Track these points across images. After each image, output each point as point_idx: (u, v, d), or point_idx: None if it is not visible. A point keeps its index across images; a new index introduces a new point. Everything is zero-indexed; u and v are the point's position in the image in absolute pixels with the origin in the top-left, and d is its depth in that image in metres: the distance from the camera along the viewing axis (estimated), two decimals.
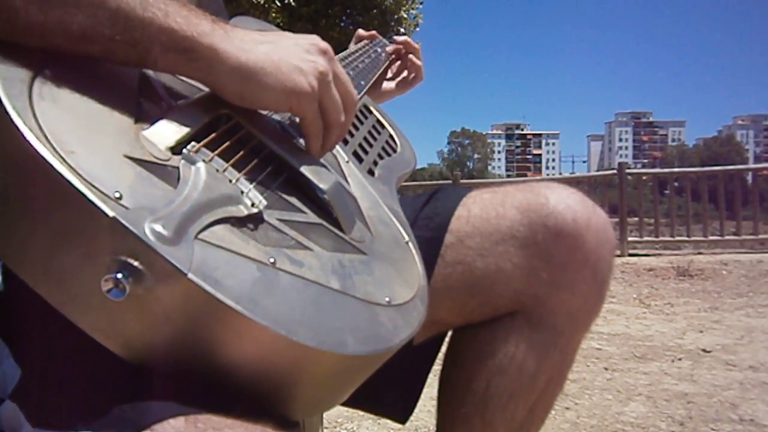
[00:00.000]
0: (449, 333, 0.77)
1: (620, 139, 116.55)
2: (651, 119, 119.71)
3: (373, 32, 1.08)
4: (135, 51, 0.43)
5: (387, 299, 0.46)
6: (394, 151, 0.79)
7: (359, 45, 0.99)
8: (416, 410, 0.77)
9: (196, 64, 0.45)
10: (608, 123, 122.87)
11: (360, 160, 0.68)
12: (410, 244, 0.58)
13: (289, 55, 0.48)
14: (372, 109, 0.85)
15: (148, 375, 0.37)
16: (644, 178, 7.29)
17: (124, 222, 0.33)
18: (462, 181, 8.54)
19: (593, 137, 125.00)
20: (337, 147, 0.64)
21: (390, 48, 1.07)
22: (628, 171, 6.67)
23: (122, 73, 0.45)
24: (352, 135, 0.72)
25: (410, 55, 1.08)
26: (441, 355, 0.77)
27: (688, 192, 6.61)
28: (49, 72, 0.39)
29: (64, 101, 0.39)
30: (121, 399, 0.37)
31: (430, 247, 0.70)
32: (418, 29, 10.43)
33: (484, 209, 0.72)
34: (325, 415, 1.42)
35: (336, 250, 0.47)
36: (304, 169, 0.51)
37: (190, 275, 0.34)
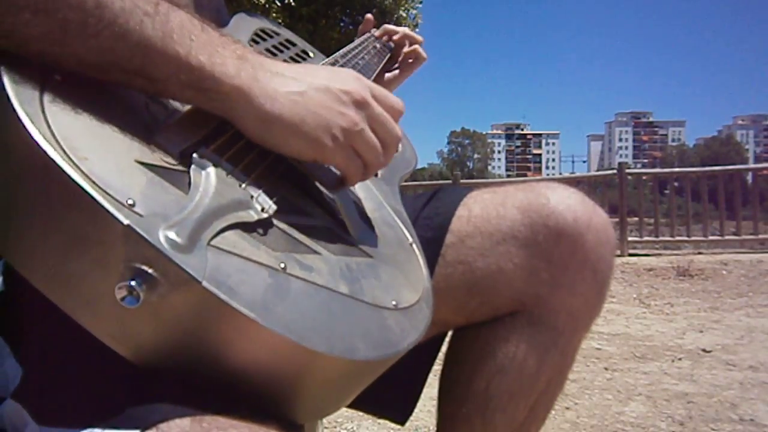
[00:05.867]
0: (450, 333, 0.77)
1: (620, 139, 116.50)
2: (651, 119, 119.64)
3: (368, 17, 1.07)
4: (152, 85, 0.42)
5: (394, 303, 0.46)
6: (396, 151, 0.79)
7: (360, 39, 0.99)
8: (416, 410, 0.77)
9: (217, 103, 0.43)
10: (608, 123, 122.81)
11: None
12: (414, 245, 0.58)
13: (317, 106, 0.46)
14: None
15: (153, 373, 0.37)
16: (644, 178, 7.29)
17: (138, 230, 0.33)
18: (462, 181, 8.54)
19: (593, 137, 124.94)
20: None
21: (395, 37, 1.06)
22: (628, 171, 6.67)
23: None
24: None
25: (414, 46, 1.07)
26: (441, 355, 0.77)
27: (688, 192, 6.61)
28: (59, 77, 0.39)
29: (75, 106, 0.38)
30: (125, 395, 0.37)
31: (431, 246, 0.70)
32: (417, 29, 10.43)
33: (485, 209, 0.72)
34: None
35: (343, 254, 0.47)
36: (310, 173, 0.51)
37: (205, 283, 0.34)
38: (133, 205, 0.34)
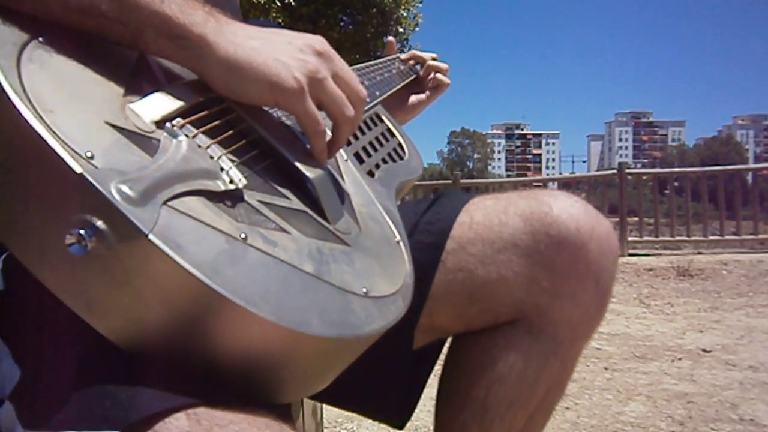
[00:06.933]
0: (449, 340, 0.76)
1: (620, 139, 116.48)
2: (651, 119, 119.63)
3: (390, 39, 1.11)
4: (128, 31, 0.43)
5: (364, 290, 0.45)
6: (401, 158, 0.78)
7: (384, 59, 1.00)
8: (416, 410, 0.77)
9: (186, 52, 0.45)
10: (608, 123, 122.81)
11: (361, 161, 0.67)
12: (401, 243, 0.57)
13: (279, 52, 0.49)
14: (384, 118, 0.84)
15: (147, 375, 0.37)
16: (644, 178, 7.30)
17: (90, 179, 0.33)
18: (462, 181, 8.52)
19: (593, 137, 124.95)
20: None
21: (419, 67, 1.09)
22: (628, 171, 6.67)
23: (120, 51, 0.46)
24: (356, 138, 0.71)
25: (438, 74, 1.10)
26: (441, 357, 0.77)
27: (688, 192, 6.61)
28: (43, 39, 0.40)
29: (54, 67, 0.39)
30: (115, 400, 0.37)
31: (432, 252, 0.69)
32: (417, 29, 10.42)
33: (487, 216, 0.71)
34: (325, 414, 1.41)
35: (316, 237, 0.46)
36: (292, 157, 0.50)
37: (151, 236, 0.33)
38: (91, 158, 0.35)
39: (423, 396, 0.76)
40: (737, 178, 6.47)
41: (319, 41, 0.53)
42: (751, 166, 11.74)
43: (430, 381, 0.76)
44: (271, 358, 0.39)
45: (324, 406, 1.21)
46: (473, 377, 0.70)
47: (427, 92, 1.08)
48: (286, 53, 0.49)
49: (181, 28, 0.44)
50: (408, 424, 0.78)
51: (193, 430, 0.35)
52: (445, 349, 0.77)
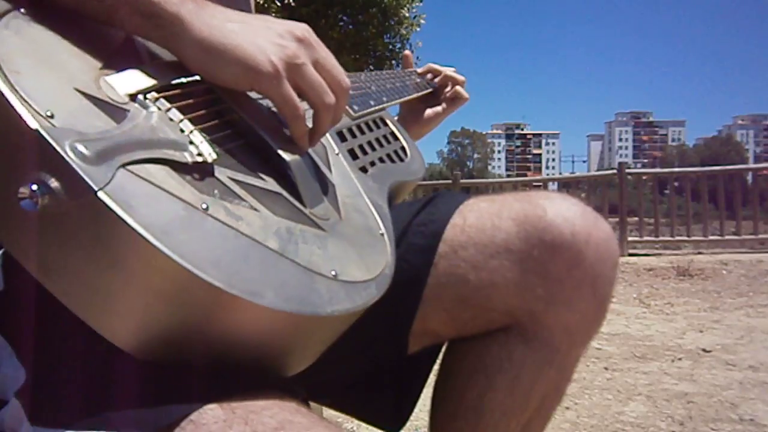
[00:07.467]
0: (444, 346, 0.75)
1: (620, 139, 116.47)
2: (651, 119, 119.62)
3: (407, 53, 1.13)
4: (102, 7, 0.43)
5: (333, 273, 0.44)
6: (401, 160, 0.78)
7: (398, 71, 1.00)
8: (416, 410, 0.77)
9: (161, 31, 0.45)
10: (608, 123, 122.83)
11: (355, 157, 0.67)
12: (385, 236, 0.56)
13: (257, 36, 0.47)
14: (388, 122, 0.84)
15: (152, 374, 0.37)
16: (644, 177, 7.30)
17: (44, 134, 0.33)
18: (462, 181, 8.51)
19: (593, 137, 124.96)
20: (330, 139, 0.63)
21: (437, 79, 1.09)
22: (628, 171, 6.67)
23: (106, 31, 0.46)
24: (353, 136, 0.71)
25: (456, 87, 1.09)
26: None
27: (688, 192, 6.61)
28: (25, 11, 0.40)
29: (30, 35, 0.39)
30: (123, 396, 0.37)
31: (424, 255, 0.68)
32: (418, 29, 10.42)
33: (480, 219, 0.68)
34: (324, 414, 1.41)
35: (288, 219, 0.45)
36: (270, 140, 0.49)
37: (100, 193, 0.33)
38: (51, 117, 0.35)
39: (423, 395, 0.76)
40: (737, 178, 6.48)
41: (300, 28, 0.51)
42: (751, 166, 11.74)
43: (430, 381, 0.76)
44: (230, 332, 0.38)
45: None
46: (467, 384, 0.68)
47: (444, 105, 1.06)
48: (264, 37, 0.48)
49: (155, 6, 0.44)
50: (408, 424, 0.78)
51: (229, 419, 0.35)
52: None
